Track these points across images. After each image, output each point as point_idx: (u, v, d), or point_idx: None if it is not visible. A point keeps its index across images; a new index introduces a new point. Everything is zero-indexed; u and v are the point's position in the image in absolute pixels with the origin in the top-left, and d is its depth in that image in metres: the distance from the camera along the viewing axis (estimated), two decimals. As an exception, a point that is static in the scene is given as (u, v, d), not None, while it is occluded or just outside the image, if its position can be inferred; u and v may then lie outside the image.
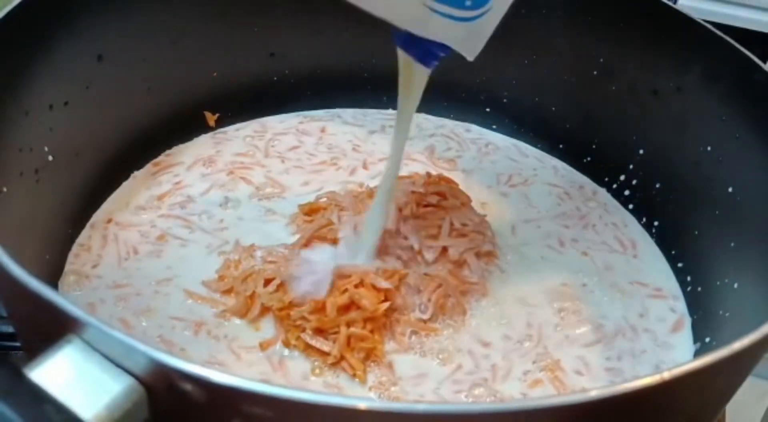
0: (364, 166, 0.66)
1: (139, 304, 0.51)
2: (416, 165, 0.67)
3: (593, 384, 0.49)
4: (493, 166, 0.68)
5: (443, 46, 0.45)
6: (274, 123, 0.70)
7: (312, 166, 0.66)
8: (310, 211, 0.58)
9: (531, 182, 0.67)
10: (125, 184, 0.62)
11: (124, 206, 0.59)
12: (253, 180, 0.63)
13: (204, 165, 0.64)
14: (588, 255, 0.60)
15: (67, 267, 0.54)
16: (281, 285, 0.51)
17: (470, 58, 0.46)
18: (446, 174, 0.63)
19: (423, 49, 0.45)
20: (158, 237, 0.57)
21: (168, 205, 0.60)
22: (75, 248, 0.56)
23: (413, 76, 0.47)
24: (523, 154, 0.70)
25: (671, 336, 0.54)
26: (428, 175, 0.60)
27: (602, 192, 0.67)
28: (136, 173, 0.63)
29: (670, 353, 0.53)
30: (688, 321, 0.56)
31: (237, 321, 0.51)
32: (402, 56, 0.46)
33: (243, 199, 0.61)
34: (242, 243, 0.56)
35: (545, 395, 0.47)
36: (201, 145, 0.67)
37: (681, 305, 0.57)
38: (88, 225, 0.58)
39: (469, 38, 0.44)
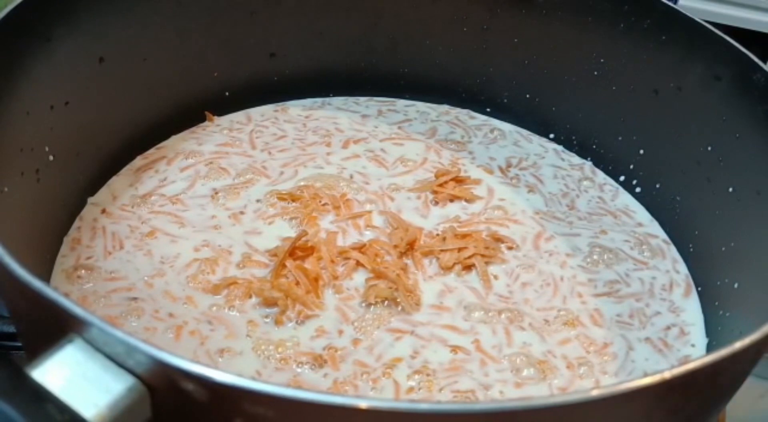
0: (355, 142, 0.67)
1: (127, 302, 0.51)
2: (417, 144, 0.67)
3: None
4: (501, 150, 0.69)
5: None
6: (260, 112, 0.70)
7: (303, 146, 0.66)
8: (291, 199, 0.59)
9: (539, 166, 0.67)
10: (114, 178, 0.61)
11: (112, 200, 0.59)
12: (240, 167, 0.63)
13: (187, 157, 0.64)
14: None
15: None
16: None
17: None
18: (454, 155, 0.66)
19: None
20: (148, 234, 0.56)
21: (156, 199, 0.59)
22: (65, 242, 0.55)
23: None
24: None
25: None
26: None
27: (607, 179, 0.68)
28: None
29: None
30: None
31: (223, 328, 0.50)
32: None
33: (229, 189, 0.60)
34: (227, 239, 0.56)
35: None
36: (184, 139, 0.66)
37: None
38: (77, 217, 0.57)
39: None
